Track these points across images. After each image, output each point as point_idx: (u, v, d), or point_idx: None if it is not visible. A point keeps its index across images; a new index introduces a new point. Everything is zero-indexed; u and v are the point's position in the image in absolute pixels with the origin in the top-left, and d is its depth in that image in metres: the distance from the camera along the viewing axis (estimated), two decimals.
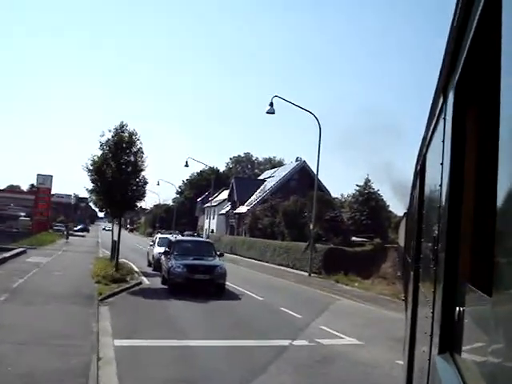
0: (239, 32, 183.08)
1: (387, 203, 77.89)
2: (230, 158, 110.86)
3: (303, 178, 55.02)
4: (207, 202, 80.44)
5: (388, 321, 17.01)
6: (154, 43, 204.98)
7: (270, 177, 65.31)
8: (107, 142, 24.16)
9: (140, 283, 23.68)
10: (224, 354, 11.59)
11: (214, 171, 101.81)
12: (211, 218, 77.44)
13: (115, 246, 33.84)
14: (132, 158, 24.41)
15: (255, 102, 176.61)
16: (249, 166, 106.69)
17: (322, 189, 52.64)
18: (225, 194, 72.75)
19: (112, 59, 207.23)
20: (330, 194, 54.82)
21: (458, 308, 2.28)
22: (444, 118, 2.77)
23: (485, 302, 1.67)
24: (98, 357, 10.52)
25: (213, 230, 74.31)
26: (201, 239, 29.26)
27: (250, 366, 10.80)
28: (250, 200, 59.52)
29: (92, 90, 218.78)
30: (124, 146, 24.16)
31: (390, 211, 78.11)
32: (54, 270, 25.34)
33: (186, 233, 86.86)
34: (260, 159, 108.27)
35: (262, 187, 62.06)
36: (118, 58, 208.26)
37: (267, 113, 31.34)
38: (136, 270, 29.81)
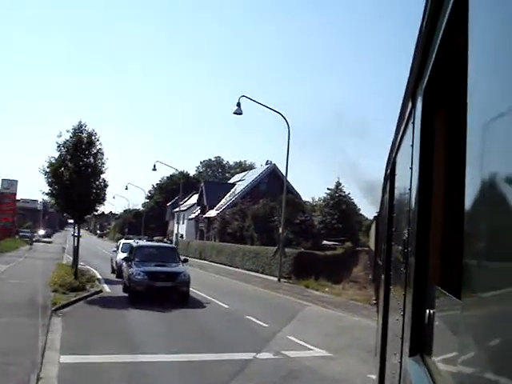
0: (206, 32, 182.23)
1: (358, 206, 77.80)
2: (201, 162, 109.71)
3: (273, 182, 54.06)
4: (177, 207, 79.08)
5: (359, 329, 16.09)
6: (118, 44, 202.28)
7: (239, 180, 64.27)
8: (65, 143, 22.87)
9: (100, 291, 22.47)
10: (180, 371, 10.52)
11: (184, 175, 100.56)
12: (181, 222, 76.05)
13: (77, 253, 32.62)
14: (91, 160, 23.16)
15: (225, 105, 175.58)
16: (219, 170, 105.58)
17: (292, 191, 51.77)
18: (195, 199, 71.47)
19: (74, 60, 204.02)
20: (300, 198, 53.97)
21: (428, 310, 2.31)
22: (413, 123, 2.80)
23: (454, 305, 1.72)
24: (38, 376, 9.39)
25: (182, 235, 72.97)
26: (164, 244, 27.86)
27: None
28: (219, 204, 58.38)
29: (54, 92, 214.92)
30: (83, 147, 22.87)
31: (361, 214, 77.57)
32: (10, 278, 23.99)
33: (155, 238, 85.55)
34: (231, 163, 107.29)
35: (231, 191, 61.00)
36: (79, 58, 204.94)
37: (234, 113, 30.32)
38: (98, 277, 28.58)
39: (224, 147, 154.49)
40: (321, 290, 26.46)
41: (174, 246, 24.96)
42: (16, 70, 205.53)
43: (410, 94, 3.00)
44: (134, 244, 23.80)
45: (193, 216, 68.33)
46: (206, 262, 47.12)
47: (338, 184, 76.82)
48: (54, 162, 22.54)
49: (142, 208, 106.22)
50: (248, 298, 23.29)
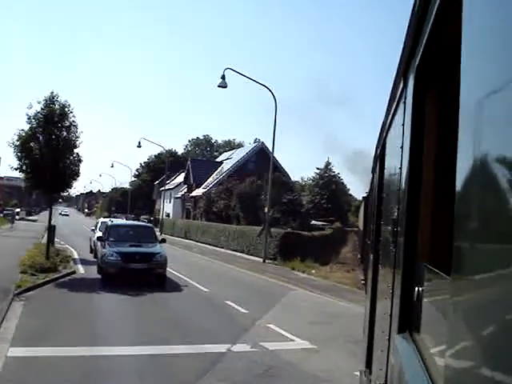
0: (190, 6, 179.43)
1: (348, 187, 76.93)
2: (189, 141, 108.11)
3: (261, 160, 52.58)
4: (164, 186, 77.66)
5: (347, 316, 14.85)
6: (100, 17, 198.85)
7: (227, 159, 62.74)
8: (36, 115, 21.30)
9: (73, 272, 21.18)
10: (140, 368, 9.21)
11: (171, 154, 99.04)
12: (167, 201, 74.66)
13: (51, 232, 31.22)
14: (64, 133, 21.61)
15: (211, 81, 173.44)
16: (208, 149, 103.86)
17: (279, 170, 50.42)
18: (182, 177, 70.00)
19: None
20: (288, 176, 52.66)
21: (416, 288, 2.32)
22: (404, 102, 2.83)
23: (443, 282, 1.75)
24: None
25: (169, 213, 71.66)
26: (140, 223, 26.26)
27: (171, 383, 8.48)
28: (206, 183, 56.94)
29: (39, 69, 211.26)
30: (55, 119, 21.33)
31: (351, 195, 76.95)
32: None
33: (142, 217, 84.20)
34: (219, 142, 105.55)
35: (219, 169, 59.51)
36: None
37: (219, 86, 28.76)
38: (75, 256, 27.30)
39: (213, 125, 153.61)
40: (307, 271, 25.24)
41: (150, 225, 23.42)
42: None
43: (401, 73, 2.99)
44: (109, 223, 22.35)
45: (179, 195, 66.84)
46: (191, 241, 45.78)
47: (328, 164, 75.71)
48: (23, 134, 20.99)
49: (129, 187, 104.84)
50: (230, 280, 22.01)
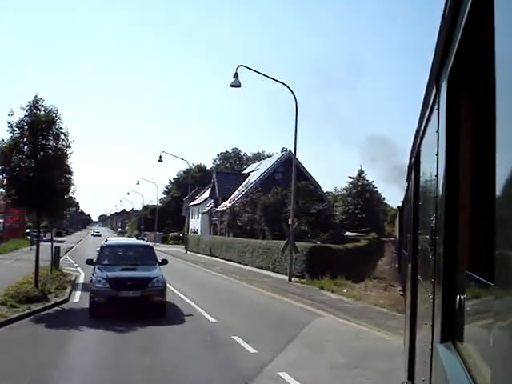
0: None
1: (382, 195, 73.03)
2: (218, 155, 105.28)
3: (290, 170, 48.97)
4: (190, 201, 74.98)
5: (385, 355, 11.41)
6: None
7: (254, 170, 59.54)
8: (19, 122, 18.49)
9: (65, 301, 18.23)
10: None
11: (200, 168, 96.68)
12: (195, 217, 71.94)
13: (55, 255, 28.49)
14: (51, 142, 18.74)
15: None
16: (237, 162, 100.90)
17: (307, 178, 46.97)
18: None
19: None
20: (318, 186, 49.09)
21: (458, 296, 2.28)
22: (438, 109, 2.82)
23: (486, 289, 1.72)
24: None
25: (197, 230, 68.90)
26: (137, 242, 22.77)
27: None
28: (233, 196, 53.81)
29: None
30: (41, 126, 18.48)
31: (386, 204, 73.30)
32: None
33: (171, 234, 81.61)
34: (249, 154, 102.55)
35: (245, 182, 56.33)
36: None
37: (232, 86, 25.60)
38: (80, 281, 24.41)
39: (241, 139, 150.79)
40: (338, 291, 21.71)
41: (149, 243, 20.10)
42: None
43: (433, 79, 3.01)
44: (103, 243, 19.29)
45: (206, 210, 63.87)
46: (215, 258, 42.60)
47: (361, 172, 72.50)
48: (4, 145, 18.19)
49: (159, 204, 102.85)
50: (245, 306, 18.67)
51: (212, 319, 15.44)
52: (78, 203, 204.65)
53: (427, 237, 3.40)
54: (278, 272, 29.25)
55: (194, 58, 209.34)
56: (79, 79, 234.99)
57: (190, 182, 61.27)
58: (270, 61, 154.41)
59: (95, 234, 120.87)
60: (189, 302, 18.63)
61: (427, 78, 3.29)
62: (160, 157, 53.69)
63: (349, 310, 17.44)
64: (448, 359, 2.27)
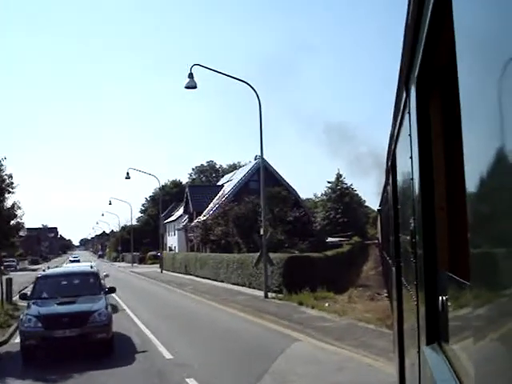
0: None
1: (363, 198, 70.93)
2: (193, 169, 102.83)
3: (265, 178, 46.68)
4: (168, 218, 72.32)
5: None
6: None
7: (228, 181, 56.99)
8: None
9: (3, 343, 15.60)
10: None
11: (175, 184, 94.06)
12: (172, 234, 69.15)
13: (7, 287, 25.61)
14: None
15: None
16: (213, 175, 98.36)
17: (281, 183, 44.44)
18: None
19: None
20: (294, 191, 46.61)
21: (440, 298, 2.30)
22: (408, 112, 2.88)
23: (465, 289, 1.77)
24: None
25: (174, 247, 66.13)
26: (80, 269, 19.60)
27: None
28: (207, 209, 51.11)
29: None
30: None
31: (367, 206, 71.18)
32: None
33: (149, 253, 78.62)
34: (224, 166, 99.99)
35: (220, 193, 53.71)
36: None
37: (186, 87, 23.05)
38: None
39: (215, 151, 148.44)
40: (318, 306, 19.17)
41: (93, 270, 17.21)
42: None
43: (403, 84, 3.07)
44: (40, 273, 16.57)
45: (181, 226, 61.08)
46: (190, 277, 39.80)
47: (339, 176, 70.52)
48: None
49: (136, 223, 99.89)
50: (213, 333, 16.02)
51: (168, 355, 12.86)
52: (56, 229, 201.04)
53: (407, 239, 3.40)
54: (254, 288, 26.60)
55: (152, 76, 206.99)
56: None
57: (161, 198, 58.58)
58: (226, 64, 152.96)
59: (73, 259, 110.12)
60: (147, 333, 16.04)
61: (396, 82, 3.38)
62: (127, 173, 51.07)
63: (330, 329, 14.91)
64: (435, 361, 2.30)
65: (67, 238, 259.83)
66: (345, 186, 70.97)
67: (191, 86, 22.89)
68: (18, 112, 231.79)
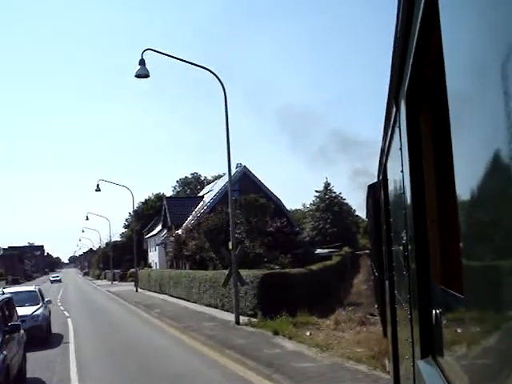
0: None
1: (353, 207, 67.40)
2: (177, 181, 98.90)
3: (246, 187, 42.88)
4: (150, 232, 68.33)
5: None
6: None
7: (209, 191, 53.06)
8: None
9: None
10: None
11: (159, 197, 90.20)
12: (153, 249, 65.12)
13: None
14: None
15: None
16: (198, 187, 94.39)
17: (261, 189, 40.61)
18: None
19: None
20: (278, 199, 42.77)
21: (434, 311, 2.31)
22: (399, 127, 2.86)
23: (458, 302, 1.76)
24: None
25: (155, 263, 62.15)
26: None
27: None
28: (186, 222, 47.13)
29: None
30: None
31: (357, 215, 67.71)
32: None
33: (131, 270, 74.52)
34: (209, 178, 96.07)
35: (200, 205, 49.75)
36: None
37: (137, 76, 19.19)
38: None
39: (199, 163, 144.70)
40: (297, 337, 15.46)
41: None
42: None
43: (392, 98, 3.07)
44: None
45: (161, 240, 57.01)
46: (163, 297, 35.82)
47: (327, 184, 67.21)
48: None
49: (120, 238, 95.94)
50: (156, 379, 12.08)
51: None
52: (42, 247, 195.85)
53: (400, 252, 3.39)
54: (227, 310, 22.74)
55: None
56: None
57: (133, 209, 54.20)
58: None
59: (53, 279, 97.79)
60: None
61: (386, 96, 3.38)
62: (97, 185, 47.02)
63: (310, 374, 11.28)
64: (429, 374, 2.29)
65: (56, 256, 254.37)
66: (333, 194, 67.86)
67: (142, 74, 19.03)
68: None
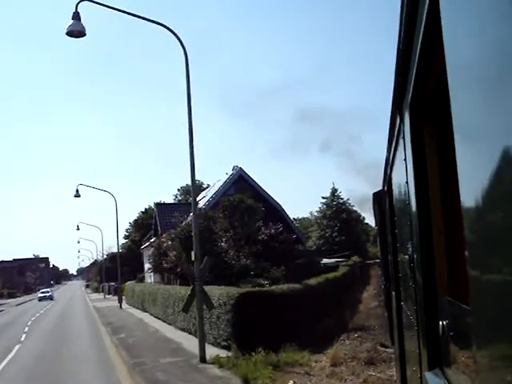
0: None
1: (361, 215, 62.92)
2: (178, 189, 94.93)
3: (242, 190, 38.45)
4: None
5: None
6: None
7: (203, 197, 48.57)
8: None
9: None
10: None
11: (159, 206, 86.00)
12: (147, 260, 60.49)
13: None
14: None
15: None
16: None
17: (258, 192, 36.13)
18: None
19: None
20: (276, 203, 38.13)
21: (441, 322, 2.27)
22: (403, 138, 2.84)
23: (465, 314, 1.73)
24: None
25: (150, 275, 57.48)
26: None
27: None
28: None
29: None
30: None
31: (366, 223, 63.30)
32: None
33: (129, 282, 70.24)
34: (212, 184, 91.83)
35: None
36: None
37: (68, 34, 14.48)
38: None
39: (202, 170, 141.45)
40: None
41: None
42: None
43: (396, 109, 3.03)
44: None
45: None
46: (144, 315, 31.29)
47: (334, 190, 62.80)
48: None
49: (121, 249, 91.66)
50: None
51: None
52: (47, 259, 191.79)
53: (406, 264, 3.35)
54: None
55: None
56: None
57: (118, 219, 49.34)
58: None
59: (42, 296, 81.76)
60: None
61: (390, 107, 3.36)
62: (77, 191, 42.45)
63: None
64: None
65: (63, 268, 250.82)
66: (341, 201, 63.52)
67: (76, 30, 14.38)
68: None
